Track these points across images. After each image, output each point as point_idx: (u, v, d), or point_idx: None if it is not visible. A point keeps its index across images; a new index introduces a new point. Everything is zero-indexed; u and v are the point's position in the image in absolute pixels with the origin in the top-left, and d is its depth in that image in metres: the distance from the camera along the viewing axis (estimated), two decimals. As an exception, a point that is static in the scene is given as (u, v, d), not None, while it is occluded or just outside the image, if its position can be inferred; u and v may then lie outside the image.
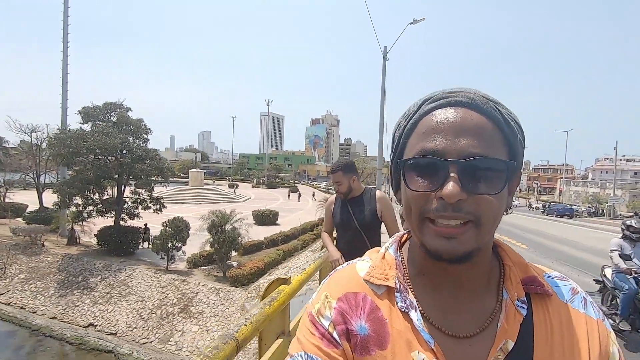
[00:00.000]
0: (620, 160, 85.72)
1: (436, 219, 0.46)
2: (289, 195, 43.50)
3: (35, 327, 10.70)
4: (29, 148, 20.87)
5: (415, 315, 0.51)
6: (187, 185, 40.58)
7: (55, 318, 11.01)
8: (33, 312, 11.33)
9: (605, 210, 40.75)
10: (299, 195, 42.12)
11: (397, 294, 0.53)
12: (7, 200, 22.09)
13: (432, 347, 0.48)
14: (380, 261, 0.57)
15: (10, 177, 23.84)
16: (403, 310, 0.51)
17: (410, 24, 11.45)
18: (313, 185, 70.96)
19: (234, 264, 13.59)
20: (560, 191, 62.51)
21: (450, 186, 0.44)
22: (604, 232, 19.11)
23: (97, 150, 13.66)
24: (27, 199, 22.46)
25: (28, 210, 21.22)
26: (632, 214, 40.57)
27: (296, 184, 63.88)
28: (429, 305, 0.52)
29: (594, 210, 42.33)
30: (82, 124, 15.74)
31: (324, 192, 52.48)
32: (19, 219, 20.39)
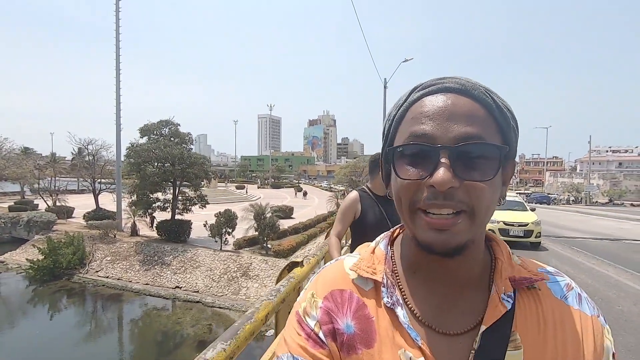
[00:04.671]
0: (607, 151, 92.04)
1: (428, 209, 0.44)
2: (295, 194, 47.53)
3: (135, 290, 14.58)
4: (88, 158, 24.68)
5: (401, 312, 0.49)
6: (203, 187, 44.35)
7: (148, 284, 14.89)
8: (129, 282, 15.20)
9: (582, 198, 45.34)
10: (304, 193, 46.08)
11: (383, 289, 0.51)
12: (58, 204, 25.93)
13: (419, 344, 0.46)
14: (369, 255, 0.56)
15: (61, 184, 27.80)
16: (389, 306, 0.50)
17: (403, 62, 15.37)
18: (314, 184, 75.34)
19: (269, 246, 17.42)
20: (543, 182, 67.63)
21: (441, 173, 0.42)
22: (561, 212, 26.04)
23: (162, 159, 17.56)
24: (72, 202, 26.32)
25: (76, 211, 25.19)
26: (607, 200, 45.27)
27: (299, 184, 67.93)
28: (418, 302, 0.50)
29: (573, 198, 46.83)
30: (141, 138, 19.62)
31: (325, 190, 56.59)
32: (71, 219, 24.33)
